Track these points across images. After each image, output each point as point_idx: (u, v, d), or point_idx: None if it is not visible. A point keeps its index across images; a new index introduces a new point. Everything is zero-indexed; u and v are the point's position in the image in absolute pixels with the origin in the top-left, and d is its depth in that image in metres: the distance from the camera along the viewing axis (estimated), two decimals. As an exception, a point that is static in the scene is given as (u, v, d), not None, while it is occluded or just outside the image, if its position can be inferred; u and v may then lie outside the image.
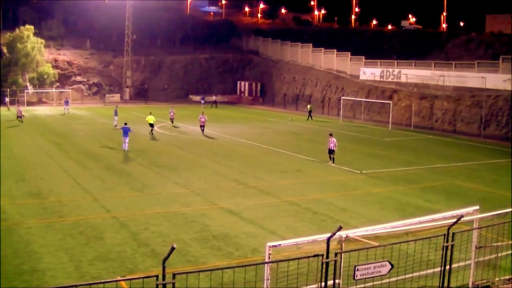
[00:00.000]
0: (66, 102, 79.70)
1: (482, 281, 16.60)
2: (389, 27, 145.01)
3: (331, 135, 40.64)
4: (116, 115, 61.77)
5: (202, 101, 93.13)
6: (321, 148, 45.82)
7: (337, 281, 13.70)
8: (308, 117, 73.64)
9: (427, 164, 41.88)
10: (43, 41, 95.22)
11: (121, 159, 41.22)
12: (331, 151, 39.65)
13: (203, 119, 55.97)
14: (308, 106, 77.65)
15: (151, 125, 54.17)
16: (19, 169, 36.38)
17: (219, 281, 14.41)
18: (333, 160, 39.56)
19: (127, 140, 44.20)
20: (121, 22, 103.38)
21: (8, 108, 78.53)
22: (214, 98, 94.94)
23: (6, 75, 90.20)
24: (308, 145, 50.72)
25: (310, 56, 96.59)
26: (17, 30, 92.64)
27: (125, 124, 45.04)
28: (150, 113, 55.45)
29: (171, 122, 64.20)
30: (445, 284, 14.96)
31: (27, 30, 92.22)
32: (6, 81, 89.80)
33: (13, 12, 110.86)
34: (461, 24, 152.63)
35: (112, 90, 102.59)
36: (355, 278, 13.13)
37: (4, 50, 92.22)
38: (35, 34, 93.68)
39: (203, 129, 56.20)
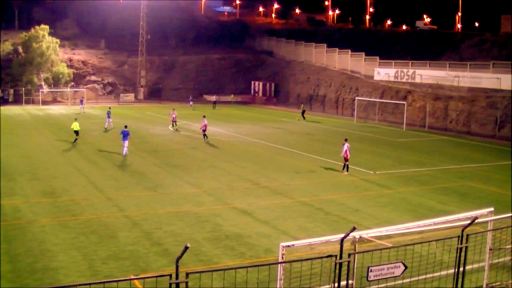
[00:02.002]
0: (81, 101, 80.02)
1: (496, 283, 16.52)
2: (404, 27, 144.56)
3: (346, 140, 38.32)
4: (109, 116, 58.93)
5: (191, 102, 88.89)
6: (334, 149, 45.82)
7: (350, 281, 13.66)
8: (303, 118, 73.21)
9: (440, 165, 41.73)
10: (58, 40, 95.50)
11: (134, 159, 41.23)
12: (346, 159, 37.45)
13: (203, 123, 51.13)
14: (302, 105, 77.60)
15: (76, 132, 47.60)
16: (33, 168, 36.54)
17: (232, 281, 14.40)
18: (347, 168, 37.50)
19: (126, 144, 42.00)
20: (135, 22, 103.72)
21: None
22: (214, 98, 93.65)
23: (22, 74, 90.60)
24: (321, 145, 50.63)
25: (324, 57, 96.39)
26: (32, 30, 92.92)
27: (125, 127, 43.23)
28: (76, 119, 50.42)
29: (172, 126, 60.55)
30: (459, 286, 14.88)
31: (42, 30, 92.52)
32: (22, 80, 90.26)
33: (28, 12, 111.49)
34: (476, 24, 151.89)
35: (126, 90, 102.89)
36: (369, 279, 13.07)
37: (20, 49, 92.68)
38: (50, 34, 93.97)
39: (205, 135, 51.36)
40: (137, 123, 64.84)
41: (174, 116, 60.63)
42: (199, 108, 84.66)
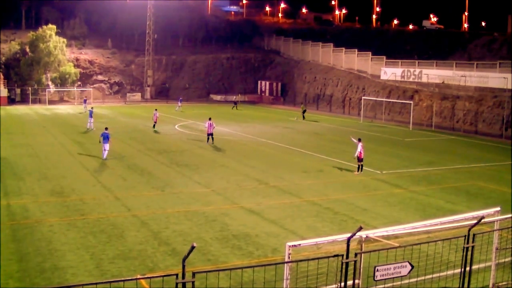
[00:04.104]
0: (85, 101, 79.99)
1: (503, 283, 16.53)
2: (411, 27, 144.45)
3: (360, 140, 37.96)
4: (91, 116, 57.74)
5: (179, 103, 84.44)
6: (343, 148, 45.89)
7: (356, 281, 13.71)
8: (302, 117, 73.31)
9: (448, 164, 41.68)
10: (65, 40, 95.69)
11: (142, 158, 41.33)
12: (360, 159, 37.22)
13: (207, 125, 49.15)
14: (302, 106, 77.82)
15: None
16: (41, 168, 36.66)
17: (238, 280, 14.46)
18: (361, 168, 37.32)
19: (107, 147, 40.17)
20: (143, 22, 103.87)
21: None
22: (234, 98, 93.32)
23: (29, 74, 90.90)
24: (330, 145, 50.61)
25: (331, 56, 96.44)
26: (39, 30, 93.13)
27: (106, 129, 41.50)
28: None
29: (152, 126, 58.53)
30: (465, 286, 14.91)
31: (50, 30, 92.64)
32: (29, 80, 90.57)
33: (36, 12, 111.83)
34: (483, 24, 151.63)
35: (133, 89, 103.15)
36: (375, 279, 13.11)
37: (27, 49, 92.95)
38: (57, 33, 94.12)
39: (209, 138, 48.82)
40: (145, 122, 64.94)
41: (156, 117, 58.69)
42: (209, 108, 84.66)
